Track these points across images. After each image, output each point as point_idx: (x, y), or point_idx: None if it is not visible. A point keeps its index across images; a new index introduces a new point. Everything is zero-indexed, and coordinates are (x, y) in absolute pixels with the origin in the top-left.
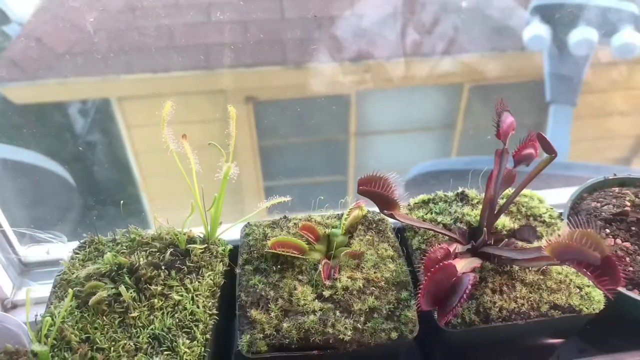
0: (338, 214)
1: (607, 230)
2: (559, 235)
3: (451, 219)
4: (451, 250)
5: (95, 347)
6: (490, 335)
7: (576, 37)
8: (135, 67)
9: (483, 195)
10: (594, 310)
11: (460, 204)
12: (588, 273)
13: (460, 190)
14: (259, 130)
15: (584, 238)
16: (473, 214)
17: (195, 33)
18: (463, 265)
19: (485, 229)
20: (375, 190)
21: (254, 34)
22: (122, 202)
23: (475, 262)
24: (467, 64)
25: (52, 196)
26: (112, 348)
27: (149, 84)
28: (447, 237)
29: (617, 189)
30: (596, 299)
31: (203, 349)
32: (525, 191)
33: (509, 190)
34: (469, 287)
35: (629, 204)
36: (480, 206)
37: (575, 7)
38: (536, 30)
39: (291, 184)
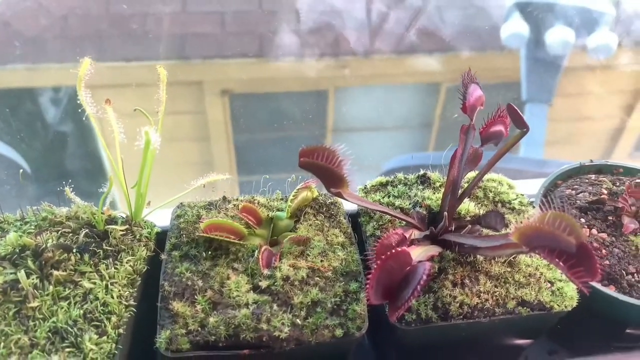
0: (286, 197)
1: (582, 220)
2: (528, 219)
3: (410, 203)
4: (407, 236)
5: None
6: (449, 334)
7: (553, 37)
8: (107, 55)
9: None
10: (566, 307)
11: (421, 187)
12: (560, 263)
13: (422, 172)
14: (234, 123)
15: (558, 221)
16: (434, 197)
17: (171, 22)
18: (419, 253)
19: (446, 213)
20: (319, 162)
21: (231, 25)
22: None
23: (434, 250)
24: (446, 62)
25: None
26: (0, 344)
27: (121, 72)
28: (404, 222)
29: (593, 176)
30: (569, 295)
31: (114, 345)
32: (494, 175)
33: (474, 174)
34: (424, 277)
35: (605, 192)
36: (443, 190)
37: (553, 6)
38: (514, 28)
39: (266, 179)
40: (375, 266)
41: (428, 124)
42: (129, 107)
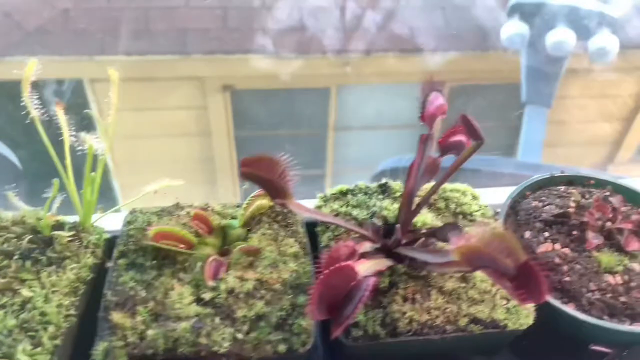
0: (238, 204)
1: (546, 234)
2: (469, 237)
3: (368, 214)
4: (358, 249)
5: None
6: (400, 351)
7: (553, 38)
8: (109, 48)
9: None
10: (521, 326)
11: (381, 196)
12: (505, 283)
13: (383, 181)
14: (235, 119)
15: (496, 241)
16: (392, 208)
17: (174, 17)
18: (367, 267)
19: (398, 226)
20: (261, 174)
21: (234, 21)
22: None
23: (383, 263)
24: (450, 62)
25: None
26: None
27: (123, 66)
28: (358, 234)
29: (563, 188)
30: (524, 313)
31: (49, 357)
32: (459, 186)
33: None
34: (367, 293)
35: (573, 204)
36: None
37: (554, 7)
38: (514, 29)
39: None
40: (318, 280)
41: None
42: (128, 100)
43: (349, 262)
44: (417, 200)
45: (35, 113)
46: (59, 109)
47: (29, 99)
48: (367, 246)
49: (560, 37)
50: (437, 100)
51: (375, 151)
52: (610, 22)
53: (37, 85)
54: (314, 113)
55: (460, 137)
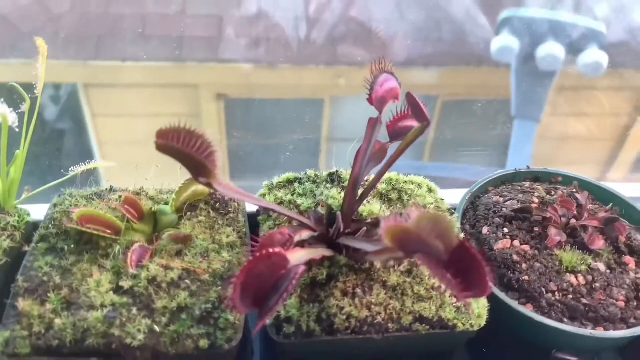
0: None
1: (506, 230)
2: (399, 220)
3: (313, 203)
4: (295, 237)
5: None
6: (337, 351)
7: (543, 52)
8: (104, 54)
9: None
10: (472, 327)
11: (329, 185)
12: (443, 274)
13: (334, 169)
14: (228, 128)
15: (426, 223)
16: (339, 197)
17: (170, 24)
18: (300, 255)
19: (339, 213)
20: (180, 147)
21: (231, 30)
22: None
23: (320, 252)
24: (444, 77)
25: None
26: None
27: (117, 72)
28: (298, 223)
29: (528, 184)
30: (477, 312)
31: None
32: (415, 178)
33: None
34: (294, 282)
35: (536, 200)
36: None
37: (544, 22)
38: (504, 42)
39: (258, 186)
40: (243, 268)
41: (423, 137)
42: (120, 106)
43: (279, 250)
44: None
45: None
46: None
47: None
48: (305, 235)
49: (550, 51)
50: (389, 82)
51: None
52: (600, 38)
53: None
54: (307, 123)
55: (410, 122)
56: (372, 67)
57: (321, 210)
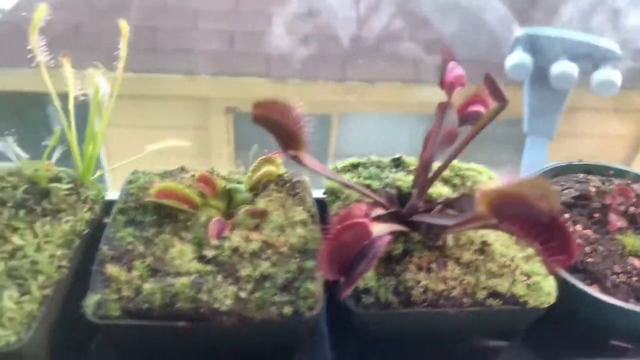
0: (246, 171)
1: (567, 215)
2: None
3: (380, 184)
4: (370, 213)
5: None
6: (412, 324)
7: (557, 70)
8: (117, 65)
9: None
10: (542, 304)
11: (394, 170)
12: (533, 239)
13: (397, 155)
14: (236, 141)
15: (530, 185)
16: (406, 179)
17: (181, 38)
18: (381, 227)
19: (415, 191)
20: (275, 117)
21: (240, 44)
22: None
23: (396, 227)
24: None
25: None
26: None
27: (128, 83)
28: (372, 200)
29: (582, 175)
30: (546, 290)
31: (37, 307)
32: (474, 166)
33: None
34: (381, 249)
35: (593, 189)
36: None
37: (558, 40)
38: (518, 59)
39: None
40: (329, 236)
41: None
42: (131, 117)
43: (363, 220)
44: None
45: (42, 58)
46: (66, 60)
47: (36, 44)
48: (378, 212)
49: (564, 69)
50: (456, 69)
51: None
52: (614, 57)
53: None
54: (314, 139)
55: (479, 107)
56: (442, 53)
57: (391, 191)
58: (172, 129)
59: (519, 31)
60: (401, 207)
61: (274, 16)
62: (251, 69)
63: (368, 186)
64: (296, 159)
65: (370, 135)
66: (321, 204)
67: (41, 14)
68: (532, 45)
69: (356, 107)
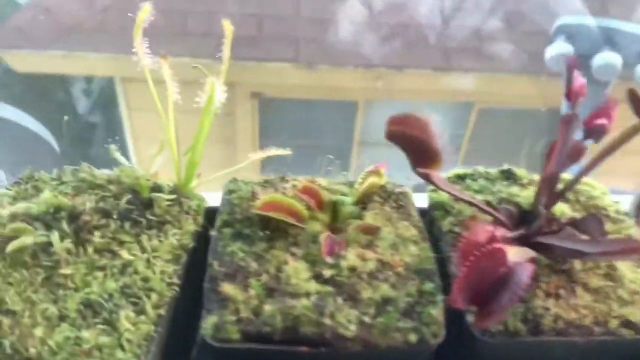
0: (350, 182)
1: None
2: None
3: (494, 199)
4: (497, 234)
5: (2, 309)
6: (539, 354)
7: (600, 62)
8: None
9: (537, 175)
10: None
11: (505, 183)
12: None
13: (505, 167)
14: (261, 127)
15: None
16: (524, 195)
17: (210, 22)
18: (517, 253)
19: (543, 210)
20: (413, 133)
21: (268, 29)
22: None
23: (531, 253)
24: (483, 84)
25: (26, 151)
26: (26, 312)
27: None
28: (492, 219)
29: None
30: None
31: (153, 328)
32: (586, 180)
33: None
34: (526, 281)
35: None
36: (532, 188)
37: (602, 30)
38: (559, 50)
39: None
40: (465, 265)
41: (456, 145)
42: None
43: (500, 246)
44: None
45: (146, 62)
46: (163, 62)
47: (140, 46)
48: (504, 232)
49: (607, 60)
50: (580, 79)
51: (399, 171)
52: None
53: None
54: (340, 126)
55: (604, 121)
56: (568, 60)
57: (510, 208)
58: (197, 114)
59: (560, 20)
60: (520, 226)
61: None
62: (279, 55)
63: (487, 203)
64: (427, 177)
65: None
66: (422, 214)
67: (145, 14)
68: (574, 35)
69: (383, 94)
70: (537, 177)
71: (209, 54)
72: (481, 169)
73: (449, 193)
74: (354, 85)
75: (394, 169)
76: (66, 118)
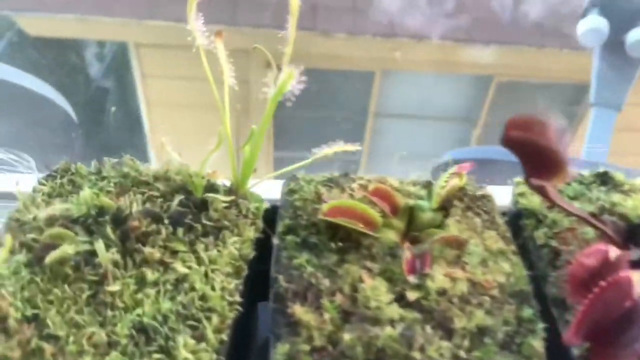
0: (425, 182)
1: None
2: None
3: (593, 208)
4: (611, 255)
5: (44, 333)
6: None
7: (634, 37)
8: (159, 14)
9: (638, 179)
10: None
11: (603, 188)
12: None
13: (601, 170)
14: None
15: None
16: (629, 205)
17: None
18: (637, 280)
19: None
20: (538, 139)
21: None
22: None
23: None
24: (503, 56)
25: (45, 121)
26: (70, 337)
27: (170, 33)
28: (597, 232)
29: None
30: None
31: (215, 357)
32: None
33: None
34: None
35: None
36: (635, 195)
37: (638, 3)
38: (592, 24)
39: (300, 157)
40: (589, 297)
41: (473, 118)
42: (168, 68)
43: (627, 275)
44: None
45: (201, 41)
46: (218, 39)
47: (193, 22)
48: (614, 251)
49: None
50: None
51: (415, 142)
52: None
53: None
54: (355, 96)
55: None
56: None
57: (617, 221)
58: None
59: None
60: (631, 242)
61: None
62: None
63: (593, 215)
64: (541, 190)
65: (412, 95)
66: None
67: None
68: (608, 8)
69: (401, 65)
70: (638, 182)
71: (222, 20)
72: (572, 171)
73: (569, 213)
74: (371, 55)
75: (412, 144)
76: (113, 109)
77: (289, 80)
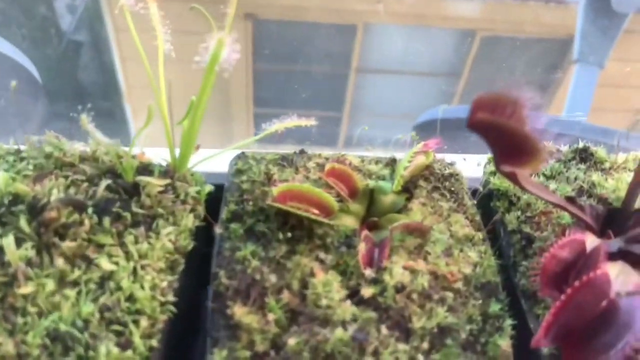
0: (388, 159)
1: None
2: None
3: (571, 189)
4: (587, 246)
5: None
6: None
7: None
8: None
9: (619, 156)
10: None
11: (582, 165)
12: None
13: (580, 145)
14: (255, 51)
15: None
16: (610, 185)
17: None
18: (616, 276)
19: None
20: (506, 122)
21: None
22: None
23: (631, 275)
24: (487, 10)
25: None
26: None
27: None
28: (579, 222)
29: None
30: None
31: None
32: None
33: None
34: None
35: None
36: (617, 174)
37: None
38: None
39: (282, 113)
40: (562, 299)
41: (457, 73)
42: (142, 22)
43: (603, 272)
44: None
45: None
46: (152, 1)
47: None
48: (593, 241)
49: None
50: None
51: (398, 97)
52: None
53: None
54: (337, 51)
55: None
56: None
57: (594, 204)
58: (189, 35)
59: None
60: (610, 228)
61: None
62: None
63: (558, 192)
64: (512, 177)
65: (395, 49)
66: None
67: None
68: None
69: (384, 18)
70: (621, 159)
71: None
72: (549, 145)
73: (544, 199)
74: (353, 7)
75: (395, 100)
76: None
77: (220, 49)
